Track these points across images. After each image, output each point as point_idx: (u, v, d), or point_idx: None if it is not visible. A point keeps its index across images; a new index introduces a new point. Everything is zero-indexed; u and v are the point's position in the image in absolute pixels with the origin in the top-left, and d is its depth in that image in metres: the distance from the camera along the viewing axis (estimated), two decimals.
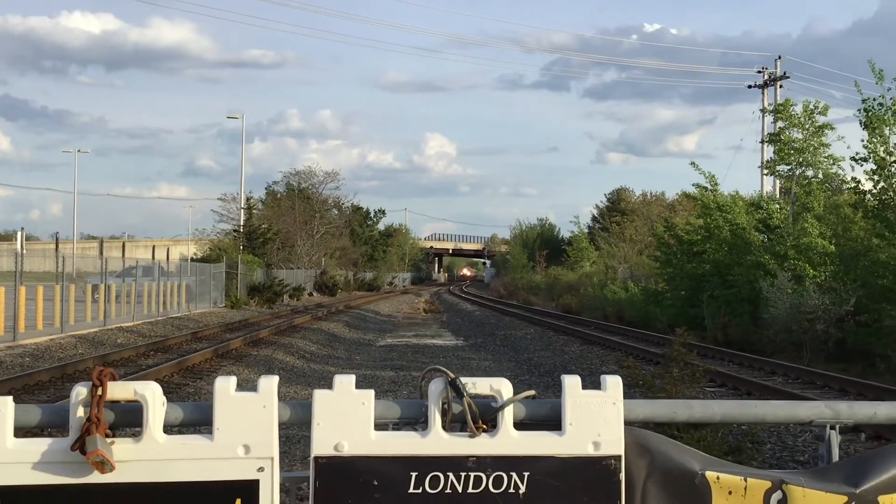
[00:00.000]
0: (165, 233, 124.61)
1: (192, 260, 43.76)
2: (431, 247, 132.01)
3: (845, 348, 18.55)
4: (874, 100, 19.19)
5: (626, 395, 1.99)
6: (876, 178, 19.14)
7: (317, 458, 1.91)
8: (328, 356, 19.91)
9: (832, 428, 2.07)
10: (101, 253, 44.51)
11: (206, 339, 22.64)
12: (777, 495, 1.95)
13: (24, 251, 25.90)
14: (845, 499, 1.95)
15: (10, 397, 1.87)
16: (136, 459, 1.87)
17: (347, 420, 1.91)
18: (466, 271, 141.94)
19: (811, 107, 24.08)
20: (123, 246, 77.90)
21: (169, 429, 1.93)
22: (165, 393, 1.99)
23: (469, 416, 1.91)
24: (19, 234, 31.02)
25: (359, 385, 1.95)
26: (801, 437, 9.72)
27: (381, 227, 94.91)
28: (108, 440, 1.85)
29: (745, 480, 1.96)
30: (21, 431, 1.89)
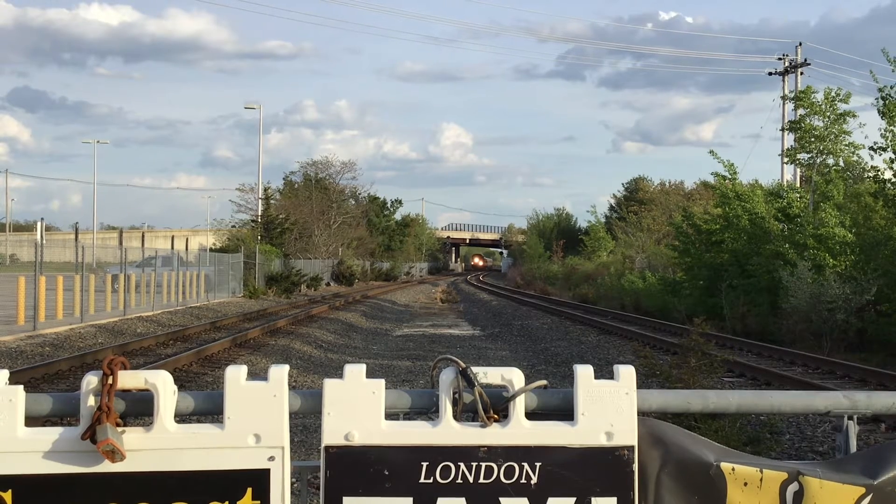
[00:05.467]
0: (184, 223, 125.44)
1: (210, 250, 43.96)
2: (448, 237, 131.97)
3: (865, 338, 18.40)
4: (892, 88, 19.00)
5: (644, 386, 1.96)
6: (895, 166, 18.96)
7: (327, 448, 1.90)
8: (345, 346, 19.97)
9: (850, 418, 2.04)
10: (121, 243, 44.83)
11: (225, 328, 22.75)
12: (793, 487, 1.92)
13: (44, 241, 26.09)
14: (862, 490, 1.92)
15: (21, 386, 1.87)
16: (146, 448, 1.86)
17: (358, 409, 1.90)
18: (478, 260, 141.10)
19: (832, 94, 23.82)
20: (143, 236, 78.47)
21: (180, 418, 1.92)
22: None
23: (480, 406, 1.90)
24: (39, 224, 31.27)
25: (376, 374, 1.94)
26: (821, 427, 9.65)
27: (397, 217, 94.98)
28: (119, 429, 1.85)
29: (761, 472, 1.93)
30: (37, 420, 1.89)
